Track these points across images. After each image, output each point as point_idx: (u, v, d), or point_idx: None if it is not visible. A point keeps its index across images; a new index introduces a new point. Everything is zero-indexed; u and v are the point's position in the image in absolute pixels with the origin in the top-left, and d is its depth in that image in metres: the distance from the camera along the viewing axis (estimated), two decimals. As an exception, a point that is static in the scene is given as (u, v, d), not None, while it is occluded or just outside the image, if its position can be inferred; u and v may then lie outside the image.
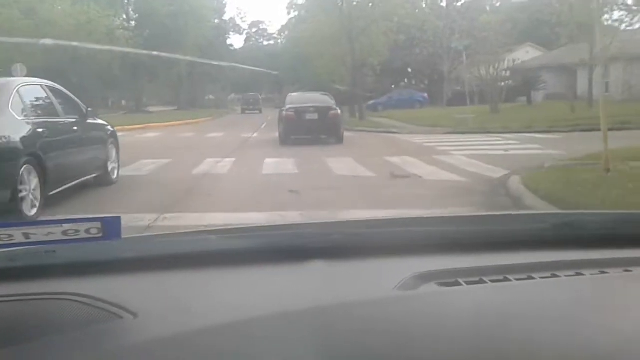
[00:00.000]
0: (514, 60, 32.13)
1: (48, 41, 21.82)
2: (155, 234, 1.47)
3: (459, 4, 38.91)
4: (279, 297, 0.93)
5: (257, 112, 39.53)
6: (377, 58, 27.55)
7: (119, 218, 0.86)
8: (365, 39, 25.99)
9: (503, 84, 26.70)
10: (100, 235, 0.84)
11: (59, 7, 28.95)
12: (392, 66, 35.51)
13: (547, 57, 36.23)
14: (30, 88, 6.75)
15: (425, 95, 37.55)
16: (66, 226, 0.83)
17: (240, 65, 53.84)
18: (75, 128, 7.21)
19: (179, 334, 0.77)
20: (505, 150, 12.17)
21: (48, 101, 6.91)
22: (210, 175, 9.10)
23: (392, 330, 0.76)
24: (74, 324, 0.84)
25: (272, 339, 0.75)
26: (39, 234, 0.82)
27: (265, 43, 74.70)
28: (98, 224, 0.84)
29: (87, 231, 0.83)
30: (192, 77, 51.82)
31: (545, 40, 39.65)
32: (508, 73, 30.65)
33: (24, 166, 5.60)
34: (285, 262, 1.06)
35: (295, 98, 16.56)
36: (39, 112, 6.67)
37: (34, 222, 0.87)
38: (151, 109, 47.45)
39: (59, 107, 7.03)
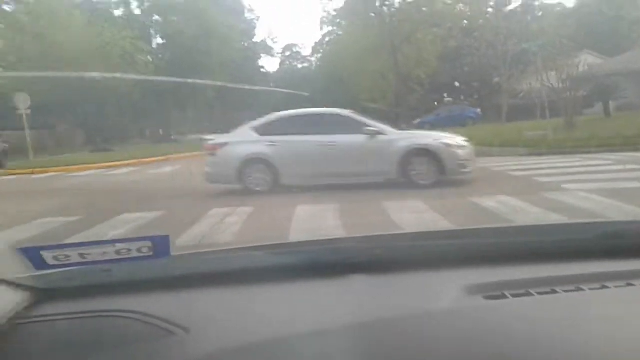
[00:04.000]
0: (577, 67, 28.34)
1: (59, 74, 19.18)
2: (203, 250, 1.41)
3: (508, 8, 35.26)
4: (323, 313, 0.92)
5: None
6: (425, 69, 23.88)
7: (167, 237, 0.95)
8: (410, 48, 22.43)
9: (578, 93, 22.56)
10: (150, 253, 0.93)
11: (70, 29, 26.21)
12: (438, 80, 31.88)
13: (615, 63, 32.31)
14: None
15: (478, 110, 33.68)
16: (119, 246, 0.92)
17: (267, 88, 51.82)
18: None
19: (229, 349, 0.81)
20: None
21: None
22: (207, 245, 5.70)
23: (438, 346, 0.77)
24: (129, 340, 0.86)
25: (319, 355, 0.77)
26: (93, 253, 0.91)
27: (300, 66, 73.86)
28: (149, 243, 0.93)
29: (139, 250, 0.92)
30: (223, 102, 49.56)
31: (600, 46, 36.42)
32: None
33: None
34: (329, 277, 1.05)
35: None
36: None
37: (89, 243, 0.93)
38: (180, 137, 45.26)
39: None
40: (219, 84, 28.02)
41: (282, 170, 9.48)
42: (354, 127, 9.41)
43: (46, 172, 16.79)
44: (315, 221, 6.43)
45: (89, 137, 31.62)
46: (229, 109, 52.96)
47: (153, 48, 38.74)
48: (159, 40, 40.00)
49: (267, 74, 62.95)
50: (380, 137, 9.33)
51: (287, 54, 77.81)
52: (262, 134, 9.75)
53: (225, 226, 6.52)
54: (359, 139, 9.26)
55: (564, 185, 8.30)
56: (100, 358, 0.82)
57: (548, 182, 8.83)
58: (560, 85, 22.13)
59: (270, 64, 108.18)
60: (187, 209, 7.98)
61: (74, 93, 27.40)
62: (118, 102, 33.56)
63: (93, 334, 0.90)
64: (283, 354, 0.77)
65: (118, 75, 27.66)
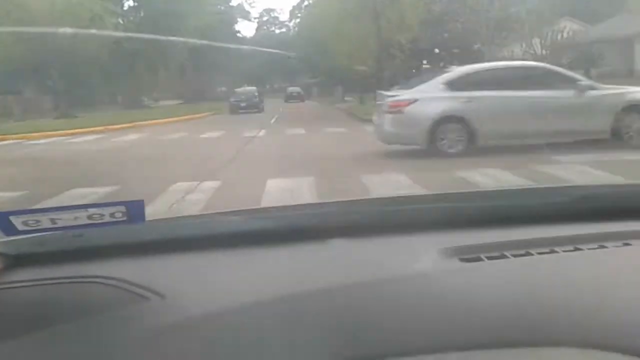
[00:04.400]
0: (562, 34, 27.74)
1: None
2: (178, 216, 1.38)
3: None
4: (300, 277, 0.92)
5: (256, 111, 27.90)
6: (407, 35, 22.95)
7: (142, 202, 0.90)
8: (392, 12, 21.46)
9: (562, 61, 21.95)
10: (124, 219, 0.89)
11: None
12: (418, 46, 30.95)
13: (598, 30, 31.81)
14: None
15: (458, 78, 32.99)
16: (91, 210, 0.87)
17: (239, 46, 49.76)
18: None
19: (205, 314, 0.79)
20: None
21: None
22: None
23: (415, 308, 0.78)
24: (102, 307, 0.85)
25: (297, 318, 0.77)
26: (65, 218, 0.86)
27: (277, 31, 73.13)
28: (122, 208, 0.88)
29: (112, 215, 0.88)
30: (198, 68, 48.06)
31: (580, 13, 36.01)
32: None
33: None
34: (306, 241, 1.05)
35: None
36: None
37: (60, 208, 0.88)
38: (154, 103, 43.93)
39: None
40: (191, 41, 26.63)
41: (480, 130, 8.38)
42: (561, 81, 8.63)
43: (4, 139, 15.72)
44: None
45: (57, 103, 30.16)
46: (203, 74, 51.50)
47: (124, 10, 37.03)
48: (130, 2, 38.28)
49: (243, 38, 61.74)
50: (591, 93, 8.52)
51: (265, 18, 76.78)
52: (455, 90, 8.63)
53: (188, 204, 5.77)
54: (567, 94, 8.41)
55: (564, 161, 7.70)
56: (73, 325, 0.80)
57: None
58: (543, 52, 21.55)
59: (247, 29, 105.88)
60: (147, 183, 7.20)
61: (40, 56, 25.96)
62: (87, 66, 32.04)
63: (65, 301, 0.88)
64: (260, 318, 0.78)
65: (94, 31, 26.28)
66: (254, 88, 31.62)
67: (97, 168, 9.10)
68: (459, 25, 30.83)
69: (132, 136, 15.31)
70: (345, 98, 36.26)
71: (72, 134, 16.58)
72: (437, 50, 38.88)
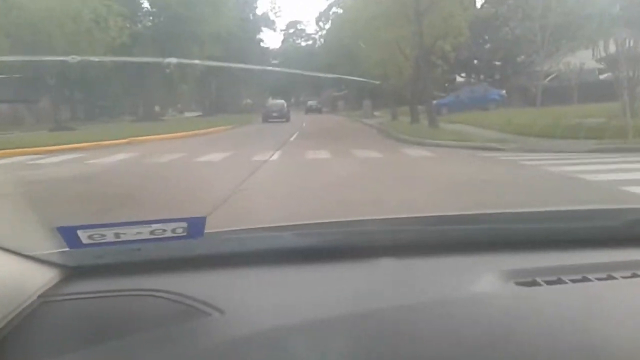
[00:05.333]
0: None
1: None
2: (235, 228, 1.24)
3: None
4: (354, 296, 0.92)
5: (284, 120, 32.35)
6: (453, 40, 19.58)
7: (204, 218, 0.93)
8: (436, 14, 18.17)
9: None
10: (185, 234, 0.91)
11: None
12: (459, 56, 27.69)
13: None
14: None
15: (503, 92, 29.50)
16: (154, 226, 0.90)
17: (256, 66, 48.49)
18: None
19: (265, 330, 0.79)
20: None
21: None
22: None
23: (469, 332, 0.77)
24: (161, 321, 0.84)
25: (354, 337, 0.78)
26: (128, 233, 0.89)
27: (303, 44, 72.31)
28: (184, 224, 0.91)
29: (173, 231, 0.91)
30: (220, 78, 45.61)
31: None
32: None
33: None
34: (357, 260, 1.05)
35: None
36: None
37: (124, 223, 0.90)
38: (177, 115, 41.86)
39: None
40: (185, 61, 23.72)
41: None
42: None
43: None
44: None
45: (57, 114, 27.68)
46: (226, 85, 49.29)
47: (138, 14, 34.53)
48: (146, 5, 35.79)
49: (266, 49, 60.53)
50: None
51: (291, 30, 76.04)
52: None
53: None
54: None
55: None
56: (131, 338, 0.80)
57: None
58: (613, 63, 18.12)
59: (271, 39, 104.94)
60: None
61: (45, 64, 23.46)
62: (97, 75, 29.63)
63: (123, 314, 0.87)
64: (317, 336, 0.77)
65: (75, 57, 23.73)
66: (283, 101, 37.30)
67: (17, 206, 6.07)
68: (509, 31, 27.54)
69: (117, 157, 12.35)
70: (374, 113, 32.96)
71: (49, 151, 13.71)
72: (475, 62, 35.58)
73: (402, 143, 14.99)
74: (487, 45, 34.69)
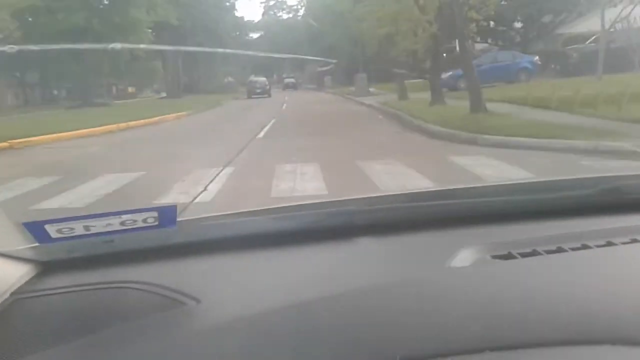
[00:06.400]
0: None
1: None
2: (207, 215, 1.21)
3: None
4: (333, 277, 0.92)
5: (266, 96, 35.01)
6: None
7: (174, 207, 0.91)
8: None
9: None
10: (156, 223, 0.89)
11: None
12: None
13: None
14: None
15: (535, 58, 23.51)
16: (124, 217, 0.88)
17: (236, 51, 46.30)
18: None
19: (242, 317, 0.77)
20: None
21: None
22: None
23: (449, 306, 0.76)
24: (137, 312, 0.83)
25: (333, 319, 0.76)
26: (98, 225, 0.87)
27: (285, 16, 68.80)
28: (155, 213, 0.89)
29: (144, 221, 0.89)
30: (187, 56, 40.12)
31: None
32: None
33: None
34: (335, 240, 1.04)
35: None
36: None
37: (93, 215, 0.89)
38: (141, 97, 37.22)
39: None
40: (142, 46, 18.05)
41: None
42: None
43: None
44: None
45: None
46: (200, 63, 45.53)
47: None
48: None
49: (241, 19, 57.89)
50: None
51: (272, 2, 72.81)
52: None
53: None
54: None
55: None
56: (106, 331, 0.79)
57: None
58: None
59: (251, 14, 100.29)
60: None
61: None
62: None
63: (97, 307, 0.87)
64: (296, 320, 0.76)
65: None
66: (264, 79, 39.02)
67: None
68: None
69: None
70: (370, 89, 26.65)
71: None
72: (492, 24, 29.44)
73: (439, 141, 9.12)
74: (504, 3, 28.54)
